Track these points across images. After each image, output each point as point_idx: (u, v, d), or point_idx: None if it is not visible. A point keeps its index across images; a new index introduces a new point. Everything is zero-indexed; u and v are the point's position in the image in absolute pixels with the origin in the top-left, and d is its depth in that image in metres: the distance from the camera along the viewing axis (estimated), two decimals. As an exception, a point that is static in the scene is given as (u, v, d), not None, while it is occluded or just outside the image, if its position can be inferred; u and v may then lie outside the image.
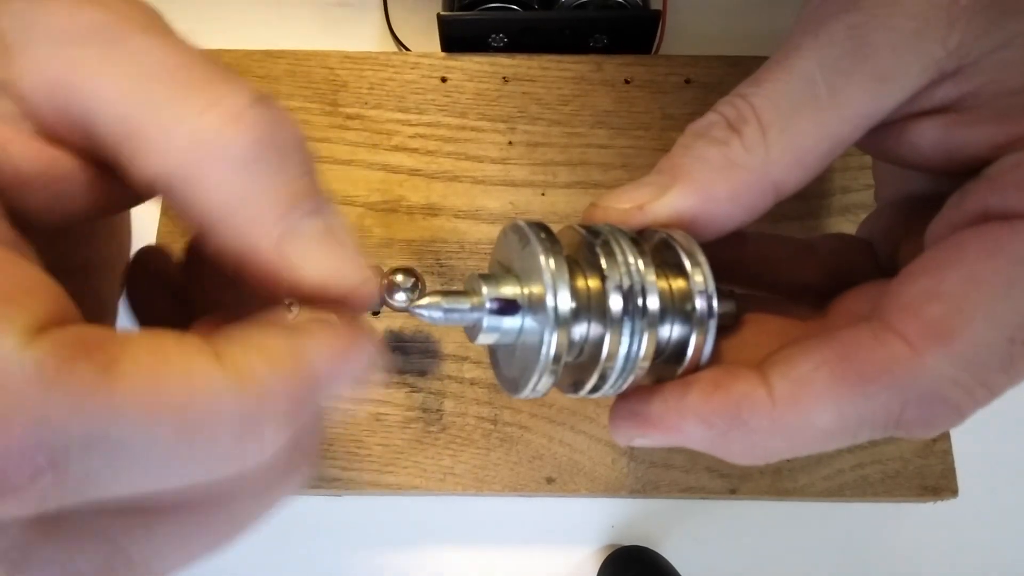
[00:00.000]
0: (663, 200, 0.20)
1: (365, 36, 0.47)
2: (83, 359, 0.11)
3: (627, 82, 0.43)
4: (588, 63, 0.43)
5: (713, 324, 0.18)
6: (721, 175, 0.20)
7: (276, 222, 0.14)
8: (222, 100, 0.14)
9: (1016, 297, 0.17)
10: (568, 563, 0.38)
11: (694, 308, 0.18)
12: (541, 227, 0.18)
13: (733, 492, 0.36)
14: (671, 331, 0.18)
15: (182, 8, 0.20)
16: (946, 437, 0.37)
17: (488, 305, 0.17)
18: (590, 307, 0.17)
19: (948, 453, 0.37)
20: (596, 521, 0.39)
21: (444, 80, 0.43)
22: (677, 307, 0.18)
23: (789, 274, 0.24)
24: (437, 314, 0.17)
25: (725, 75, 0.42)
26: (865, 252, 0.24)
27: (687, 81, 0.43)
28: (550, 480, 0.37)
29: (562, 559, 0.38)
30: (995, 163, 0.19)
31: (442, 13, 0.41)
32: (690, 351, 0.18)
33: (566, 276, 0.16)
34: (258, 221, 0.14)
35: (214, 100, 0.14)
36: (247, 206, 0.14)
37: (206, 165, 0.13)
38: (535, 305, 0.17)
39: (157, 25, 0.15)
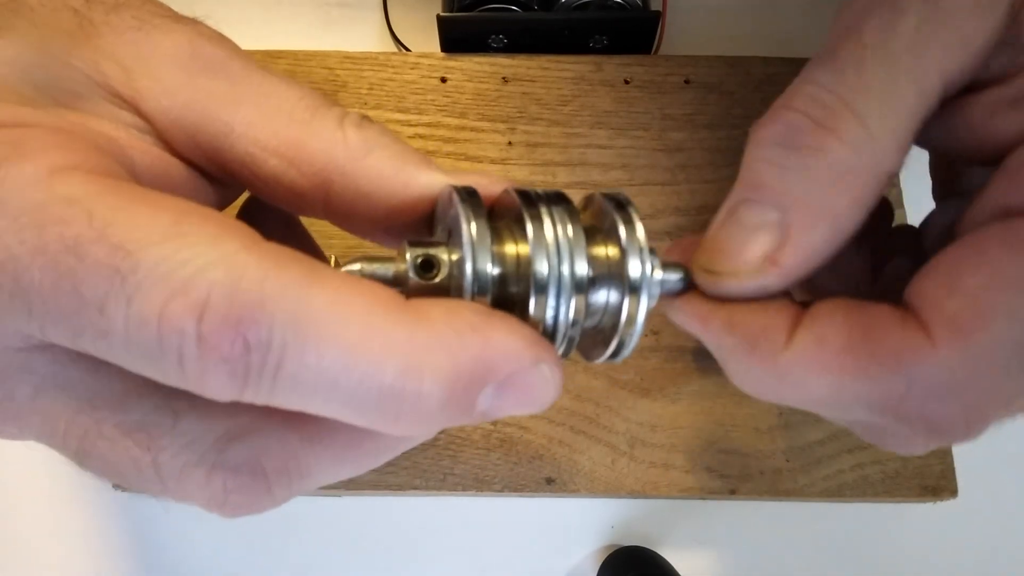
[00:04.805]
0: (793, 246, 0.18)
1: (365, 36, 0.47)
2: (294, 263, 0.14)
3: (627, 82, 0.43)
4: (588, 63, 0.43)
5: (647, 289, 0.18)
6: (837, 190, 0.18)
7: (428, 167, 0.18)
8: (345, 115, 0.18)
9: None
10: (568, 563, 0.38)
11: (626, 273, 0.18)
12: (468, 191, 0.17)
13: (733, 492, 0.36)
14: (607, 296, 0.18)
15: (183, 9, 0.20)
16: (946, 437, 0.37)
17: (411, 273, 0.17)
18: (518, 273, 0.17)
19: (948, 453, 0.37)
20: (596, 521, 0.39)
21: (444, 80, 0.43)
22: (612, 272, 0.18)
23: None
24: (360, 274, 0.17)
25: (725, 75, 0.42)
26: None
27: (687, 81, 0.43)
28: (550, 480, 0.37)
29: (562, 559, 0.38)
30: (1013, 154, 0.18)
31: (442, 14, 0.41)
32: (623, 316, 0.18)
33: (487, 241, 0.16)
34: (419, 169, 0.18)
35: (340, 115, 0.18)
36: (407, 166, 0.18)
37: (366, 154, 0.18)
38: (460, 270, 0.17)
39: (249, 56, 0.19)
